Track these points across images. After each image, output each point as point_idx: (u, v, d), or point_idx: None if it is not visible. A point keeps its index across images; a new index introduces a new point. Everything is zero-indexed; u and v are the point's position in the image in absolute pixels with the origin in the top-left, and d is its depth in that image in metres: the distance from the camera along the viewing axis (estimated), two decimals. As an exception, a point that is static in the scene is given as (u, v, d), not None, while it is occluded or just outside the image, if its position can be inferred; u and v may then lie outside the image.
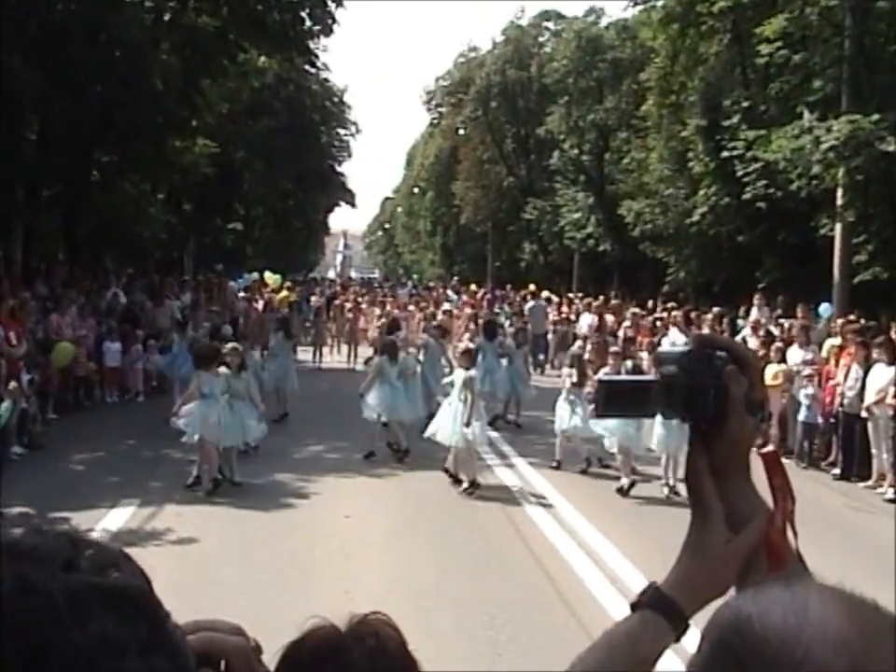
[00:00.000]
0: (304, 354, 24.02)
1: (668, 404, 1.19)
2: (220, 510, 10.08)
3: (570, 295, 32.60)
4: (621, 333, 20.78)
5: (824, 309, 19.46)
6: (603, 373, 10.17)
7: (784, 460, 1.22)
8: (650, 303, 25.98)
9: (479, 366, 16.32)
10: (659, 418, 1.24)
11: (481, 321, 20.21)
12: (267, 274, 34.41)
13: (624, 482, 11.28)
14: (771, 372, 13.93)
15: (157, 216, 28.24)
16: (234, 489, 10.84)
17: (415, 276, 69.63)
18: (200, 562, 8.15)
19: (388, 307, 25.98)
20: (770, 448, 1.21)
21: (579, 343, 15.79)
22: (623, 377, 1.46)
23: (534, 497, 11.02)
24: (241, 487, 10.92)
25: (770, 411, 13.92)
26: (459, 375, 11.45)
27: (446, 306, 30.60)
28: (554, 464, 12.51)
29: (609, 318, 23.19)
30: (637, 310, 22.04)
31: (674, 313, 20.20)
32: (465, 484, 11.03)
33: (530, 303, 27.61)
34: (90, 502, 9.91)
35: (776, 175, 21.67)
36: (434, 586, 7.75)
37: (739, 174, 23.27)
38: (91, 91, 19.71)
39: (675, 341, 17.59)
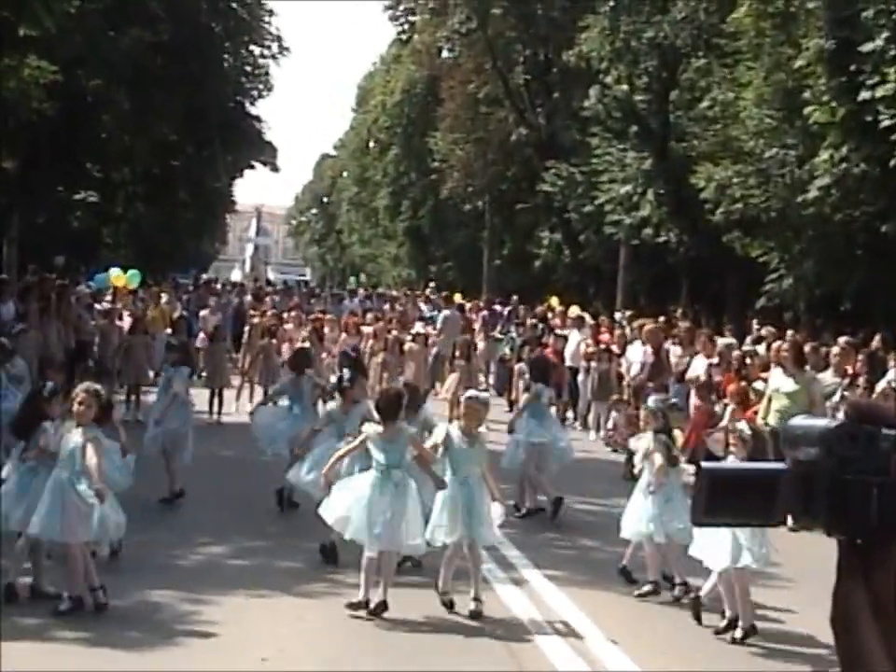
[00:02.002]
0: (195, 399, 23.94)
1: (806, 506, 1.19)
2: (61, 649, 9.99)
3: (615, 314, 32.71)
4: (692, 374, 20.79)
5: None
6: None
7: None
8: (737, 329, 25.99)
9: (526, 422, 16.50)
10: None
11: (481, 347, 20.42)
12: (114, 272, 34.07)
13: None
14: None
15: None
16: (84, 615, 10.79)
17: (363, 279, 69.68)
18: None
19: (332, 328, 26.11)
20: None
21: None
22: (736, 465, 1.49)
23: (552, 628, 11.04)
24: (90, 611, 10.88)
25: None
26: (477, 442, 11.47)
27: (419, 328, 30.69)
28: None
29: (675, 351, 23.09)
30: (732, 340, 22.00)
31: (777, 344, 20.10)
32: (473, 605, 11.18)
33: (444, 313, 28.33)
34: None
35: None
36: None
37: (885, 124, 23.39)
38: None
39: (780, 387, 17.52)
